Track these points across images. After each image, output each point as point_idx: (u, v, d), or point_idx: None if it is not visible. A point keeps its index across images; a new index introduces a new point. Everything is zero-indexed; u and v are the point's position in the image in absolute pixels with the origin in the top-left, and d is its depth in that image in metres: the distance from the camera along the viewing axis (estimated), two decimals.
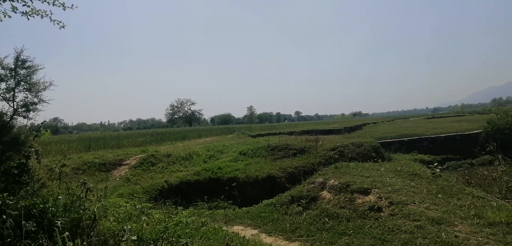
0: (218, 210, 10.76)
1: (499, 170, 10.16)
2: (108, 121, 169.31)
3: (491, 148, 11.58)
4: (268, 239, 7.27)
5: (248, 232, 7.71)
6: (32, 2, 6.22)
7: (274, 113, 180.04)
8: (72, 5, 6.36)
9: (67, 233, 3.34)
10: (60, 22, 6.57)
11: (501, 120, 24.17)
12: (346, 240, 6.50)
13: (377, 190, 8.13)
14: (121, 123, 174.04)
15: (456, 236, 5.59)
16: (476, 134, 25.21)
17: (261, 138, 24.94)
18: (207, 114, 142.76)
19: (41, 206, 4.06)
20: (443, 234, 5.73)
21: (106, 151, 19.47)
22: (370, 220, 7.12)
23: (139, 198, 10.05)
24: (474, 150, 21.09)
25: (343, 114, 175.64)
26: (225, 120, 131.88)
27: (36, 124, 7.41)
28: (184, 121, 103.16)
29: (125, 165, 16.17)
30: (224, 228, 6.77)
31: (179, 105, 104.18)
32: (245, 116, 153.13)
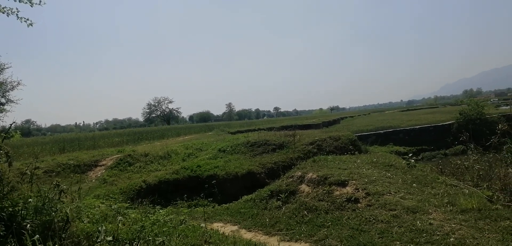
0: (197, 208, 10.65)
1: (471, 159, 10.53)
2: (83, 122, 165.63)
3: (464, 138, 11.99)
4: (247, 235, 7.27)
5: (227, 229, 7.69)
6: None
7: (253, 110, 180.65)
8: (40, 1, 6.15)
9: (37, 236, 3.22)
10: (27, 19, 6.33)
11: (472, 111, 25.10)
12: (325, 232, 6.57)
13: (354, 181, 8.25)
14: (96, 123, 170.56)
15: (430, 224, 5.75)
16: (449, 125, 26.06)
17: (240, 134, 24.89)
18: (185, 113, 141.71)
19: (10, 209, 3.92)
20: (418, 222, 5.88)
21: (81, 152, 18.92)
22: (348, 211, 7.22)
23: (115, 198, 9.84)
24: (447, 140, 21.79)
25: (321, 109, 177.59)
26: (204, 118, 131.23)
27: (6, 125, 7.14)
28: (162, 120, 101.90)
29: (101, 165, 15.78)
30: (203, 225, 6.70)
31: (156, 104, 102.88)
32: (224, 113, 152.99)
